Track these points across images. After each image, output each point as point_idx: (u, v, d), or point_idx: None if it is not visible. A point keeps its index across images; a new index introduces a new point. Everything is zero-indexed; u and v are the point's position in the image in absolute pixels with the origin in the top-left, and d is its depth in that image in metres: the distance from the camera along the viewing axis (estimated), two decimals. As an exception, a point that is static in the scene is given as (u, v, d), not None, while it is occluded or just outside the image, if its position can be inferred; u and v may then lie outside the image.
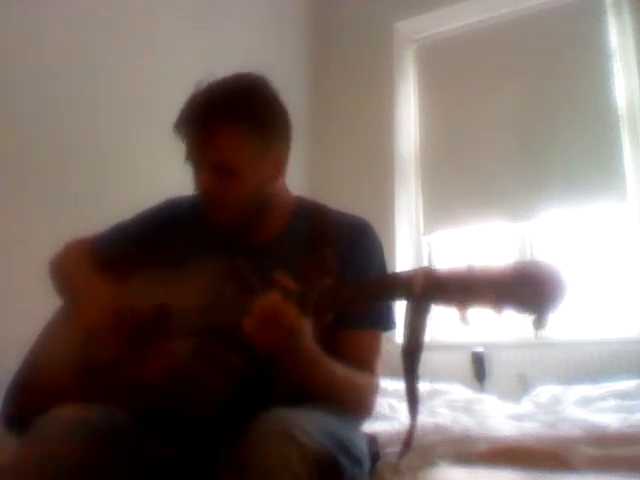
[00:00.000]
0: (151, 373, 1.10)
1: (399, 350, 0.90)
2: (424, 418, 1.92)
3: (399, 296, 0.94)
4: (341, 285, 1.04)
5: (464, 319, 0.82)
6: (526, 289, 0.78)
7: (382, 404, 2.17)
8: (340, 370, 1.11)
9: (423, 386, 2.51)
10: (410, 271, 0.90)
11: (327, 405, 1.05)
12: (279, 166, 1.27)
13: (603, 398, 2.18)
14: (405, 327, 0.90)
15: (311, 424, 0.94)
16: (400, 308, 0.95)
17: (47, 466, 0.92)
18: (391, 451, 1.26)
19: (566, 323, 2.92)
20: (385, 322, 1.21)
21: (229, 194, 1.20)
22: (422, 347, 0.89)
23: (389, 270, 1.29)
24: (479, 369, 2.97)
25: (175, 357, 1.10)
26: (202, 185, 1.21)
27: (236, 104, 1.19)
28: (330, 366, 1.09)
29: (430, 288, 0.85)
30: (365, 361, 1.18)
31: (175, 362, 1.09)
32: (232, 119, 1.18)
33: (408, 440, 0.93)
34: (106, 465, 0.95)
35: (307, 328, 1.02)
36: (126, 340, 1.13)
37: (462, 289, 0.82)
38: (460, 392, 2.59)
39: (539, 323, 0.79)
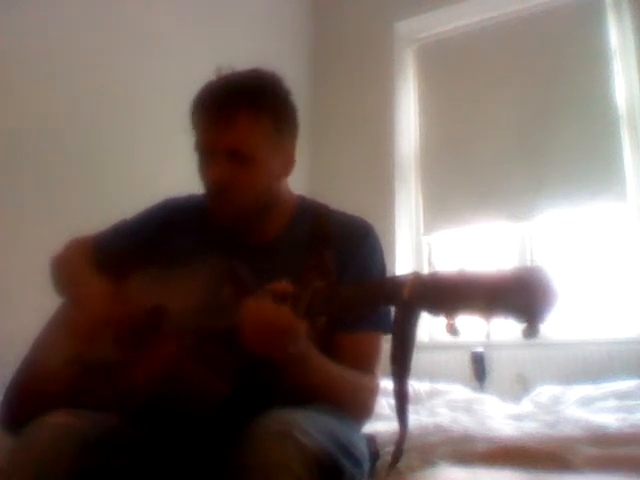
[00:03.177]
0: (147, 374, 1.10)
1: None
2: (424, 418, 1.92)
3: (388, 302, 0.93)
4: (332, 288, 1.03)
5: (451, 329, 0.80)
6: (517, 296, 0.76)
7: (382, 404, 2.16)
8: (338, 371, 1.11)
9: (423, 386, 2.52)
10: (400, 276, 0.89)
11: (327, 406, 1.05)
12: (289, 164, 1.27)
13: (603, 398, 2.18)
14: (394, 335, 0.89)
15: (311, 424, 0.94)
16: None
17: (35, 473, 0.91)
18: (390, 450, 1.26)
19: (566, 323, 2.92)
20: (384, 325, 1.21)
21: (240, 184, 1.18)
22: (411, 354, 0.88)
23: (389, 271, 1.29)
24: (479, 369, 2.96)
25: (171, 358, 1.09)
26: (213, 173, 1.19)
27: (257, 94, 1.18)
28: (327, 367, 1.09)
29: (419, 294, 0.84)
30: (365, 364, 1.18)
31: (171, 363, 1.09)
32: (253, 106, 1.17)
33: (399, 447, 0.93)
34: (96, 472, 0.95)
35: (302, 330, 1.01)
36: (122, 341, 1.13)
37: (450, 295, 0.80)
38: (460, 392, 2.59)
39: (530, 331, 0.77)
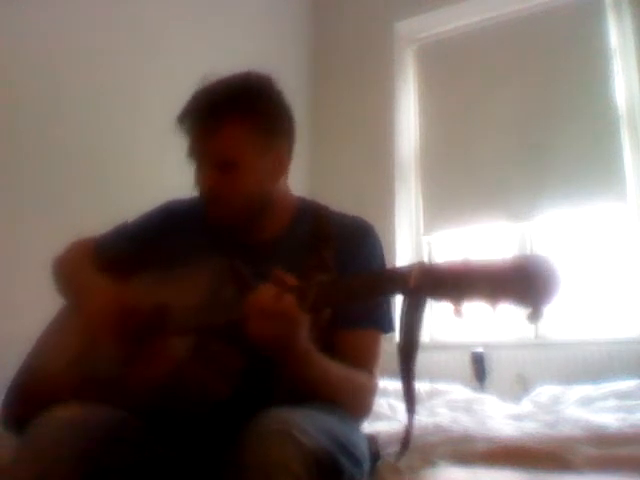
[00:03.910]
0: (150, 373, 1.10)
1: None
2: (424, 418, 1.92)
3: (394, 290, 0.93)
4: (338, 281, 1.04)
5: (458, 312, 0.81)
6: (521, 283, 0.78)
7: (382, 404, 2.17)
8: (335, 369, 1.11)
9: (423, 386, 2.52)
10: (406, 266, 0.89)
11: (327, 405, 1.05)
12: (281, 165, 1.26)
13: (603, 398, 2.18)
14: (401, 324, 0.89)
15: (310, 424, 0.94)
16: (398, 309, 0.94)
17: (39, 471, 0.91)
18: (391, 451, 1.26)
19: (566, 323, 2.92)
20: (385, 323, 1.21)
21: (229, 190, 1.20)
22: (418, 344, 0.88)
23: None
24: (479, 369, 2.96)
25: (174, 357, 1.09)
26: (202, 181, 1.22)
27: (240, 99, 1.20)
28: (325, 364, 1.09)
29: (425, 282, 0.85)
30: (364, 361, 1.18)
31: (174, 362, 1.09)
32: (235, 114, 1.19)
33: (406, 440, 0.93)
34: (102, 467, 0.95)
35: (305, 322, 1.01)
36: (125, 340, 1.13)
37: (457, 283, 0.81)
38: (460, 392, 2.59)
39: (534, 317, 0.78)
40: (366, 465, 1.06)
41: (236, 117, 1.19)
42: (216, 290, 1.12)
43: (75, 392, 1.11)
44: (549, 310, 0.78)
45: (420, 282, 0.85)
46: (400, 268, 0.91)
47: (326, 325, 1.14)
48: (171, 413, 1.07)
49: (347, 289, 0.98)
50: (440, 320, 3.11)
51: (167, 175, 2.42)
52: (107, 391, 1.10)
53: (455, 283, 0.81)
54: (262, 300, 0.97)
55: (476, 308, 0.81)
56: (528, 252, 3.18)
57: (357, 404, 1.17)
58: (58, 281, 1.34)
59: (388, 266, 1.30)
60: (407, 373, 0.90)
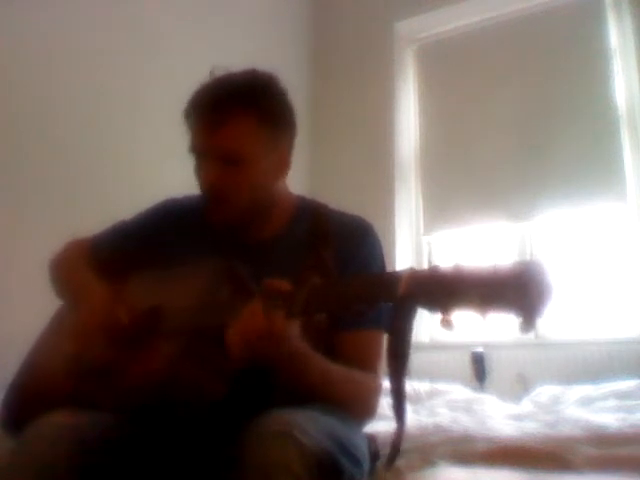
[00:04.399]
0: (144, 374, 1.09)
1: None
2: (424, 418, 1.92)
3: (384, 297, 0.92)
4: (329, 285, 1.03)
5: (447, 323, 0.79)
6: (511, 291, 0.75)
7: (382, 404, 2.16)
8: (338, 371, 1.10)
9: (423, 386, 2.52)
10: (396, 272, 0.88)
11: (327, 405, 1.05)
12: (284, 164, 1.26)
13: (603, 398, 2.18)
14: (390, 330, 0.88)
15: (311, 424, 0.94)
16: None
17: (35, 474, 0.92)
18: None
19: (566, 323, 2.92)
20: (385, 322, 1.21)
21: (233, 186, 1.19)
22: (409, 351, 0.87)
23: (388, 270, 1.28)
24: (479, 369, 2.96)
25: (168, 359, 1.09)
26: (206, 175, 1.20)
27: (248, 95, 1.18)
28: (326, 367, 1.08)
29: (414, 289, 0.83)
30: (367, 362, 1.17)
31: (168, 364, 1.09)
32: (243, 109, 1.17)
33: (396, 444, 0.92)
34: (95, 471, 0.95)
35: (293, 330, 1.00)
36: (120, 342, 1.13)
37: (446, 291, 0.79)
38: (460, 392, 2.59)
39: (526, 326, 0.76)
40: (366, 465, 1.06)
41: (243, 112, 1.17)
42: (213, 291, 1.11)
43: (72, 394, 1.11)
44: (543, 318, 0.76)
45: (410, 290, 0.83)
46: (390, 274, 0.89)
47: (325, 327, 1.13)
48: (167, 413, 1.07)
49: (338, 295, 0.96)
50: (436, 315, 3.11)
51: (167, 175, 2.42)
52: (103, 393, 1.10)
53: (444, 291, 0.79)
54: (246, 328, 0.96)
55: (466, 316, 0.79)
56: (529, 254, 3.18)
57: (362, 405, 1.16)
58: (54, 282, 1.34)
59: (387, 266, 1.29)
60: (397, 380, 0.89)
